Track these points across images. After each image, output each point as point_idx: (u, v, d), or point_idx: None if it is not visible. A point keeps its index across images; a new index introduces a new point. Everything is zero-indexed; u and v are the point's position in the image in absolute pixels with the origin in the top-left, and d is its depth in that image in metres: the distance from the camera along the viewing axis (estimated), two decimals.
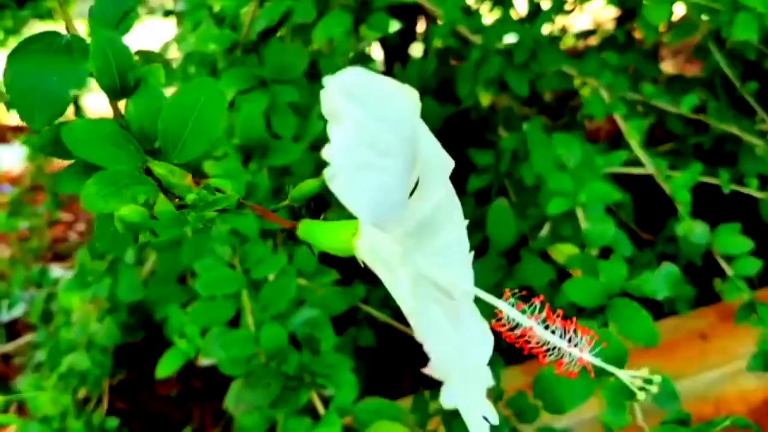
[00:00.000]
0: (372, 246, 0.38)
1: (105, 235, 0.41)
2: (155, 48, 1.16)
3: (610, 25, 1.77)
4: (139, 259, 1.16)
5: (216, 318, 0.82)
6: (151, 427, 1.39)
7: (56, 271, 1.71)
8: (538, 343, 0.41)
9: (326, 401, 0.80)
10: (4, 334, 1.66)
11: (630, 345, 0.61)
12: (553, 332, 0.41)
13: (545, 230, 1.09)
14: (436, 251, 0.42)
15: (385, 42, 1.63)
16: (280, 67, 0.87)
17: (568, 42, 1.75)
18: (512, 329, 0.41)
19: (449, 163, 0.41)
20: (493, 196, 1.34)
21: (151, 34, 1.62)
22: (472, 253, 0.45)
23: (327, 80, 0.32)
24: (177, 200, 0.40)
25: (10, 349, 1.61)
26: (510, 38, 1.24)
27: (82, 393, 1.06)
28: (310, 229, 0.42)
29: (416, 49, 1.72)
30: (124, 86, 0.43)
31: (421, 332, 0.33)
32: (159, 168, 0.40)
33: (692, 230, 0.99)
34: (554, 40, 1.48)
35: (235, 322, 0.84)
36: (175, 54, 1.20)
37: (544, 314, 0.41)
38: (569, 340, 0.41)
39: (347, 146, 0.32)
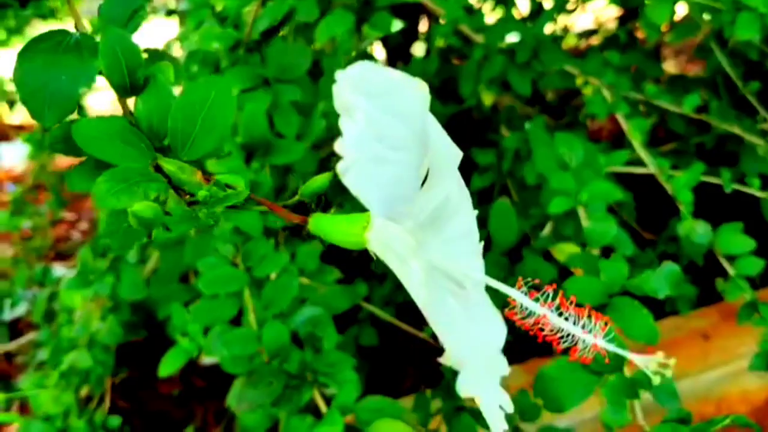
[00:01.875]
0: (383, 238, 0.39)
1: (116, 231, 0.41)
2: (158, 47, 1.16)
3: (612, 25, 1.77)
4: (141, 258, 1.16)
5: (218, 316, 0.82)
6: (152, 425, 1.39)
7: (59, 270, 1.71)
8: (551, 330, 0.41)
9: (328, 400, 0.80)
10: (6, 333, 1.66)
11: (630, 344, 0.61)
12: (566, 319, 0.41)
13: (547, 229, 1.09)
14: (445, 242, 0.42)
15: (387, 41, 1.64)
16: (282, 66, 0.87)
17: (570, 41, 1.75)
18: (525, 317, 0.41)
19: (458, 155, 0.42)
20: (496, 195, 1.34)
21: (153, 33, 1.62)
22: (482, 243, 0.45)
23: (338, 74, 0.33)
24: (187, 197, 0.40)
25: (12, 348, 1.61)
26: (512, 37, 1.24)
27: (84, 391, 1.06)
28: (321, 224, 0.42)
29: (419, 49, 1.72)
30: (134, 84, 0.43)
31: (435, 323, 0.34)
32: (169, 165, 0.41)
33: (694, 230, 0.99)
34: (556, 39, 1.48)
35: (237, 320, 0.84)
36: (177, 53, 1.20)
37: (557, 302, 0.41)
38: (583, 327, 0.41)
39: (359, 140, 0.32)
